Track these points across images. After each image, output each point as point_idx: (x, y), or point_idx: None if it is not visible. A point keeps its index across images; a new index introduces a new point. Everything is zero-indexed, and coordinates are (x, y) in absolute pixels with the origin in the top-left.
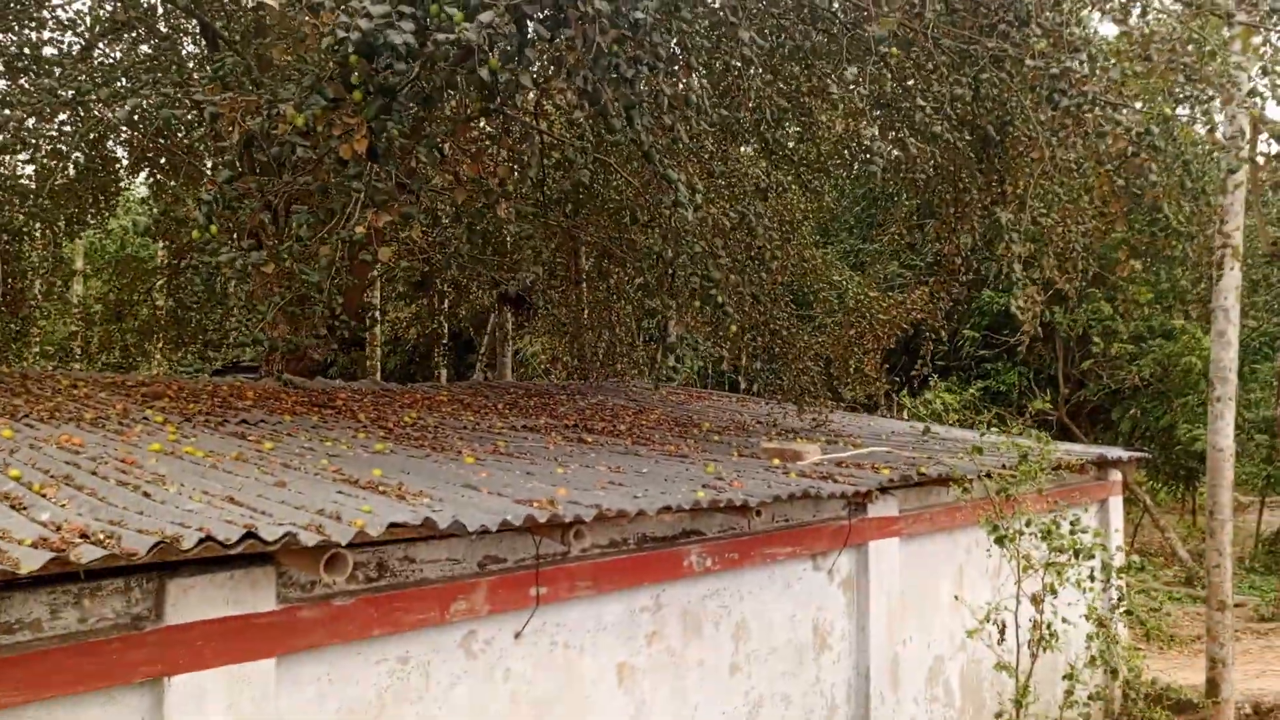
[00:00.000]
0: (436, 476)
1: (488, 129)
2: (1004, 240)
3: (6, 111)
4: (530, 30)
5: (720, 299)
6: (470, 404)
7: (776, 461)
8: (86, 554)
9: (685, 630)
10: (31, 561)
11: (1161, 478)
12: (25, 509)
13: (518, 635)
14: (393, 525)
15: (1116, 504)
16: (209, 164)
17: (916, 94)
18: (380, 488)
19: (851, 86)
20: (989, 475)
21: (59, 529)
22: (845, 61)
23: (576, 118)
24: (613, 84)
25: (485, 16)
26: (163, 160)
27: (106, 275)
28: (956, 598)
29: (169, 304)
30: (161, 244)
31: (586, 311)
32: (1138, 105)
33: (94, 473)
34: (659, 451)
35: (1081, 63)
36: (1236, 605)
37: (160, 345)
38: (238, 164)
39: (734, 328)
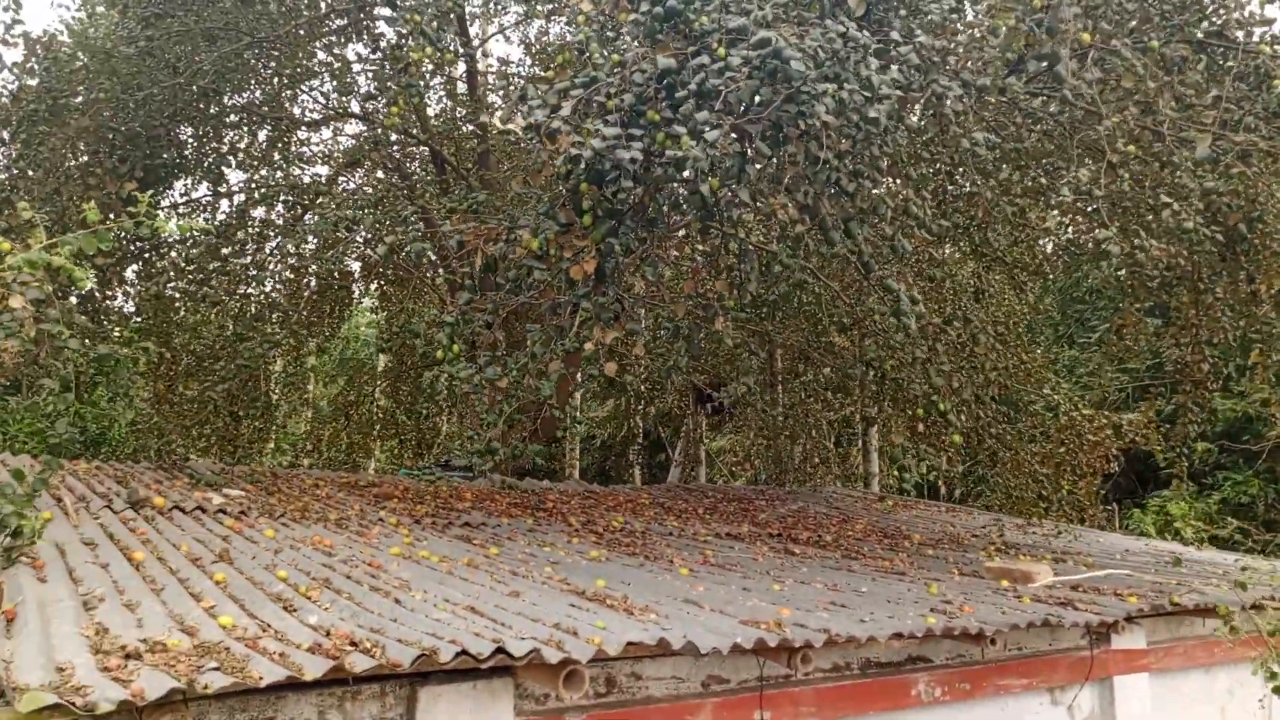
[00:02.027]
0: (657, 590)
1: (703, 247)
2: (1257, 345)
3: (280, 239)
4: (751, 148)
5: (944, 406)
6: (671, 507)
7: (1005, 583)
8: (359, 663)
9: None
10: (314, 668)
11: None
12: (295, 611)
13: None
14: (630, 644)
15: None
16: (429, 275)
17: (1161, 191)
18: (607, 601)
19: (1085, 188)
20: (1256, 607)
21: (328, 634)
22: (1069, 162)
23: (795, 231)
24: (832, 198)
25: (711, 136)
26: (389, 272)
27: (334, 378)
28: None
29: (389, 406)
30: (384, 350)
31: (782, 414)
32: None
33: (348, 576)
34: (873, 567)
35: None
36: None
37: (379, 443)
38: (479, 286)
39: (957, 436)
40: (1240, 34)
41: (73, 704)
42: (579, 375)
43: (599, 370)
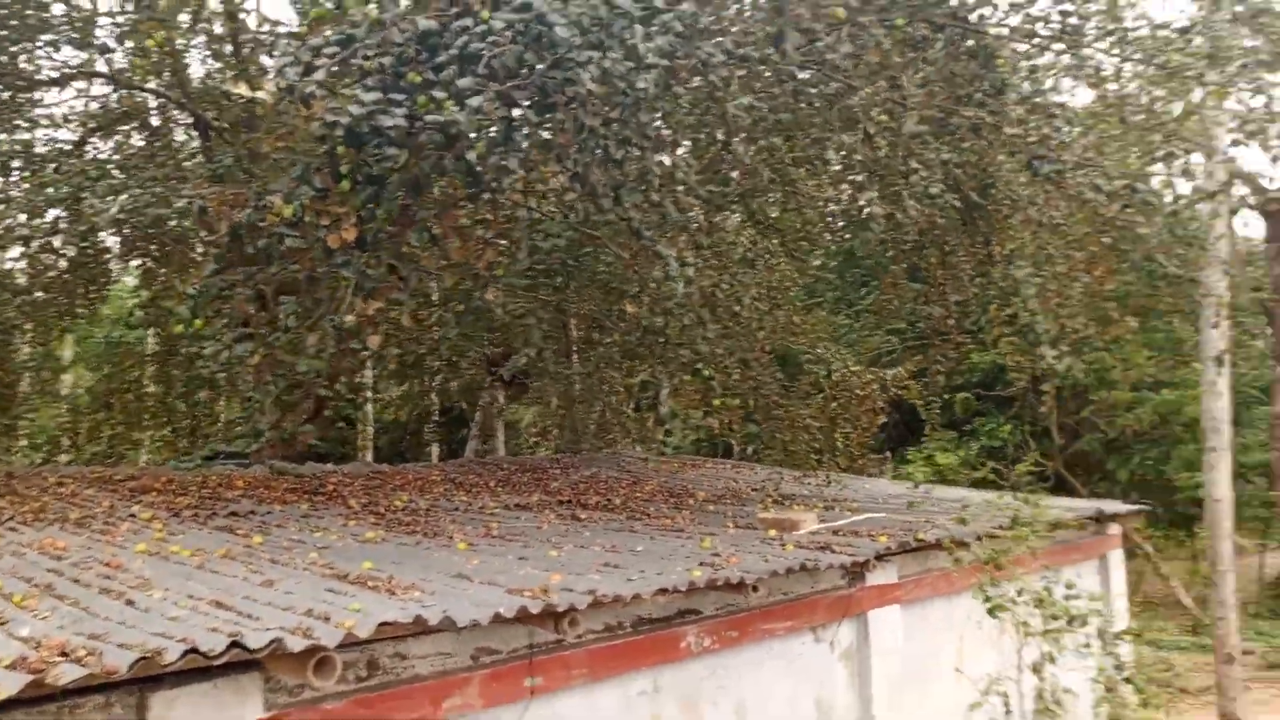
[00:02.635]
0: (429, 567)
1: (474, 214)
2: (993, 301)
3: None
4: (518, 114)
5: (707, 372)
6: (463, 483)
7: (773, 532)
8: (66, 673)
9: (684, 713)
10: (8, 685)
11: (1162, 526)
12: (5, 624)
13: None
14: (383, 624)
15: (1117, 558)
16: (199, 251)
17: (910, 159)
18: (370, 583)
19: (845, 155)
20: (980, 540)
21: (39, 645)
22: (832, 132)
23: (567, 198)
24: (601, 165)
25: (474, 102)
26: (153, 247)
27: (95, 365)
28: (958, 670)
29: (159, 392)
30: (151, 332)
31: (577, 383)
32: (1116, 167)
33: (77, 580)
34: (654, 526)
35: (1058, 129)
36: (1244, 654)
37: (149, 434)
38: (226, 256)
39: (718, 400)
40: (974, 16)
41: None
42: (365, 351)
43: (363, 345)
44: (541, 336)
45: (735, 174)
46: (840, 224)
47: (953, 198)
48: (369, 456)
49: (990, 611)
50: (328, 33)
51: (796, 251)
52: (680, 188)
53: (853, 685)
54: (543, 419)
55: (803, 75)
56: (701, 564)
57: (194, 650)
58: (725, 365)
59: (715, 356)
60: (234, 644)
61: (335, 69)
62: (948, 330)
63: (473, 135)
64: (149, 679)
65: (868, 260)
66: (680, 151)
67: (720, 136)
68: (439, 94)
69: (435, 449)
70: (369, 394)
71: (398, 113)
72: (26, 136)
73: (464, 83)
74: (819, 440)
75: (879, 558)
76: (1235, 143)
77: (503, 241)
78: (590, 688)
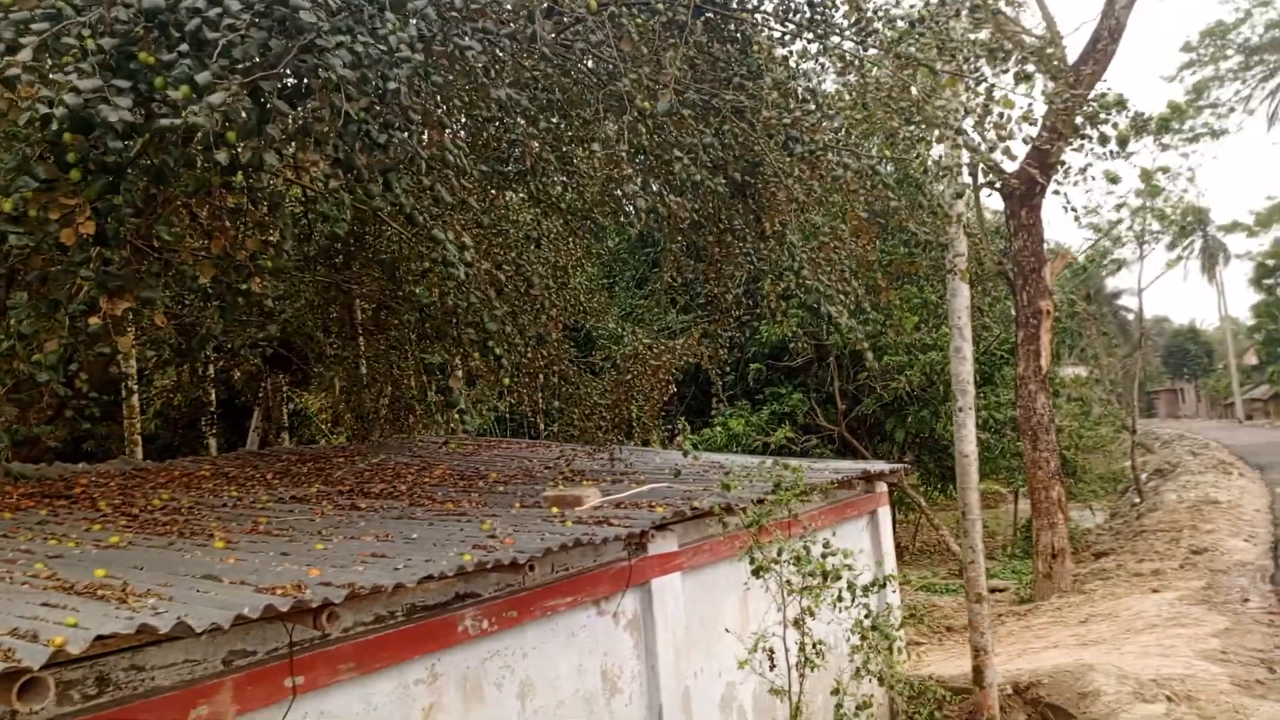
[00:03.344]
0: (175, 569)
1: (228, 200)
2: (768, 276)
3: None
4: (269, 103)
5: (497, 350)
6: (236, 477)
7: (555, 510)
8: None
9: (466, 697)
10: None
11: (934, 480)
12: None
13: None
14: (100, 638)
15: (885, 514)
16: None
17: (673, 145)
18: (100, 591)
19: (614, 142)
20: (748, 506)
21: None
22: (602, 114)
23: (331, 185)
24: (365, 150)
25: (215, 98)
26: None
27: None
28: (728, 630)
29: None
30: None
31: (365, 367)
32: (869, 148)
33: None
34: (435, 512)
35: (809, 112)
36: (1000, 590)
37: None
38: None
39: (507, 379)
40: (732, 1)
41: None
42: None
43: (111, 348)
44: (311, 316)
45: (517, 152)
46: (624, 206)
47: (719, 180)
48: (138, 454)
49: (755, 572)
50: (34, 6)
51: (581, 230)
52: (451, 171)
53: (638, 653)
54: (332, 406)
55: (568, 56)
56: (476, 547)
57: None
58: (515, 344)
59: (505, 335)
60: None
61: (45, 47)
62: (727, 304)
63: (218, 132)
64: None
65: (655, 244)
66: (456, 129)
67: (488, 115)
68: (174, 88)
69: (214, 443)
70: (133, 385)
71: (122, 102)
72: None
73: (202, 77)
74: (609, 415)
75: (657, 528)
76: (971, 127)
77: (263, 231)
78: (362, 681)
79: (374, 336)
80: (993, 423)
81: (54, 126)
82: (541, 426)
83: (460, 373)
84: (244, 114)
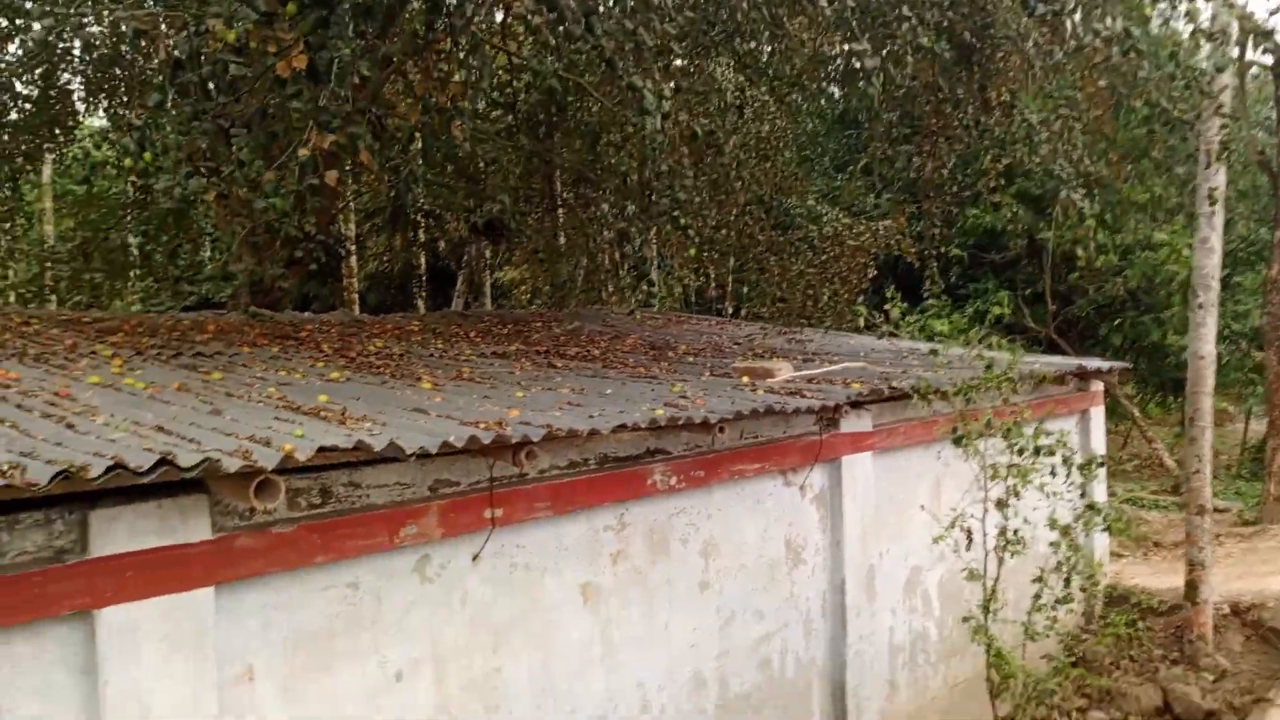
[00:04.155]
0: (387, 402)
1: (436, 44)
2: (989, 152)
3: None
4: None
5: (684, 221)
6: (442, 332)
7: (746, 380)
8: None
9: (652, 549)
10: None
11: (1150, 390)
12: None
13: (475, 558)
14: (323, 449)
15: (1098, 414)
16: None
17: (899, 3)
18: (323, 413)
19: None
20: (954, 388)
21: None
22: None
23: (539, 30)
24: None
25: None
26: (121, 89)
27: (73, 213)
28: (923, 507)
29: (139, 240)
30: (130, 178)
31: (563, 238)
32: (1115, 8)
33: (19, 406)
34: (627, 374)
35: None
36: (1221, 511)
37: (132, 283)
38: (168, 86)
39: (693, 250)
40: None
41: None
42: (340, 199)
43: (318, 181)
44: (519, 181)
45: (723, 14)
46: (832, 74)
47: (945, 46)
48: (355, 310)
49: (956, 441)
50: None
51: (787, 100)
52: (655, 15)
53: (824, 527)
54: (531, 278)
55: None
56: (667, 404)
57: (120, 466)
58: (706, 215)
59: (694, 206)
60: (163, 461)
61: None
62: (941, 180)
63: None
64: (90, 497)
65: (863, 124)
66: None
67: None
68: None
69: (421, 305)
70: (351, 246)
71: None
72: None
73: None
74: (809, 294)
75: (852, 405)
76: None
77: (466, 74)
78: (555, 521)
79: (572, 208)
80: (1228, 332)
81: None
82: (728, 309)
83: (651, 244)
84: None
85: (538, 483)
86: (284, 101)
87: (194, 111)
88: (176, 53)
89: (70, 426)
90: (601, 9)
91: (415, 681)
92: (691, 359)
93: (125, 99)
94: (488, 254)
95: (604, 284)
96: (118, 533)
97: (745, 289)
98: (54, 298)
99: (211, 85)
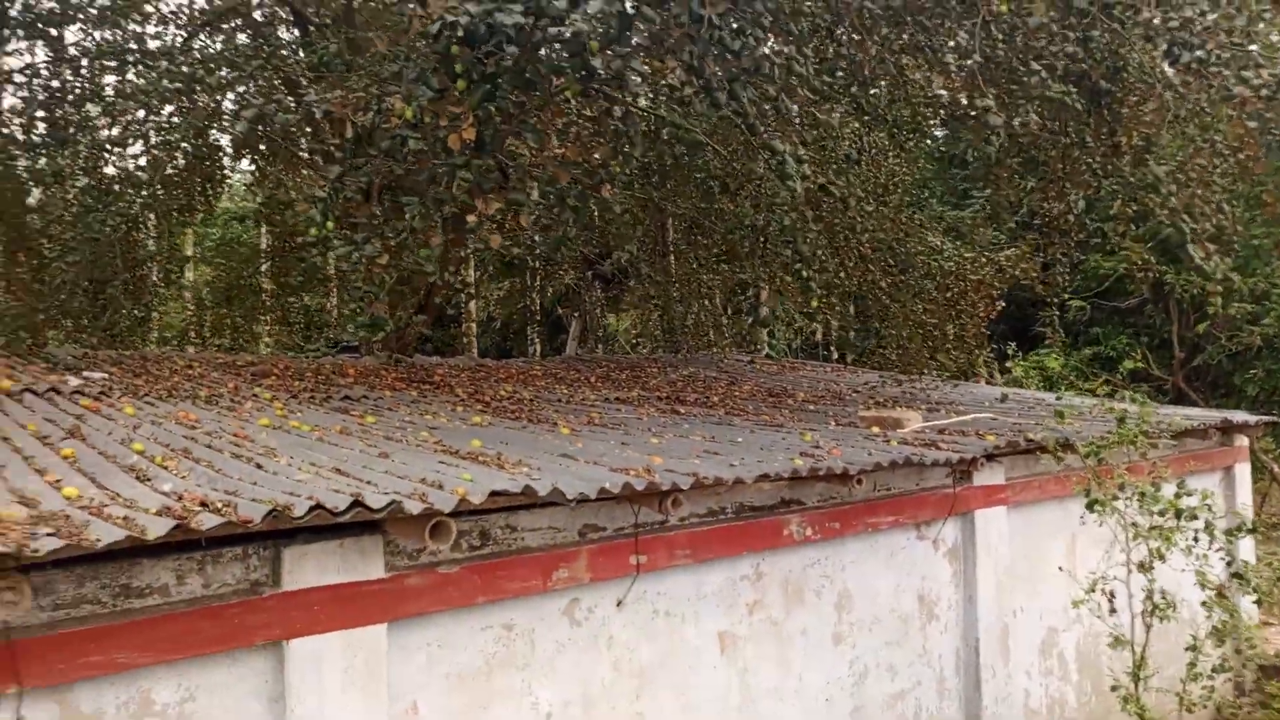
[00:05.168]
0: (534, 447)
1: (585, 111)
2: (1119, 197)
3: (120, 103)
4: (631, 7)
5: (805, 273)
6: (563, 377)
7: (876, 430)
8: (206, 522)
9: (787, 599)
10: (157, 528)
11: None
12: (149, 480)
13: (619, 603)
14: (494, 493)
15: (1244, 471)
16: (304, 147)
17: (1030, 57)
18: (480, 458)
19: (960, 53)
20: (1089, 443)
21: (180, 498)
22: (947, 19)
23: (684, 93)
24: (717, 58)
25: (593, 7)
26: (262, 146)
27: (215, 261)
28: (1060, 568)
29: (273, 287)
30: (265, 228)
31: (676, 284)
32: (1266, 54)
33: (210, 446)
34: (753, 421)
35: (1202, 12)
36: None
37: (267, 327)
38: (349, 158)
39: (815, 302)
40: None
41: None
42: (464, 249)
43: (484, 244)
44: (644, 230)
45: (849, 66)
46: (949, 116)
47: (1074, 93)
48: (474, 354)
49: (1089, 506)
50: None
51: (905, 145)
52: (795, 79)
53: (957, 582)
54: (640, 321)
55: None
56: (803, 454)
57: (320, 507)
58: (826, 265)
59: (816, 257)
60: (356, 503)
61: None
62: (1068, 226)
63: (591, 37)
64: (282, 535)
65: (973, 161)
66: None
67: (827, 24)
68: None
69: (537, 349)
70: (472, 292)
71: (515, 9)
72: (137, 31)
73: None
74: (928, 337)
75: (988, 457)
76: None
77: (612, 139)
78: (695, 569)
79: (683, 254)
80: None
81: (449, 37)
82: (834, 353)
83: (766, 293)
84: (611, 20)
85: (679, 530)
86: (452, 170)
87: (368, 181)
88: (358, 129)
89: (259, 467)
90: (743, 77)
91: None
92: (812, 407)
93: (267, 155)
94: (601, 299)
95: (716, 329)
96: (307, 568)
97: (851, 335)
98: (199, 340)
99: (388, 156)
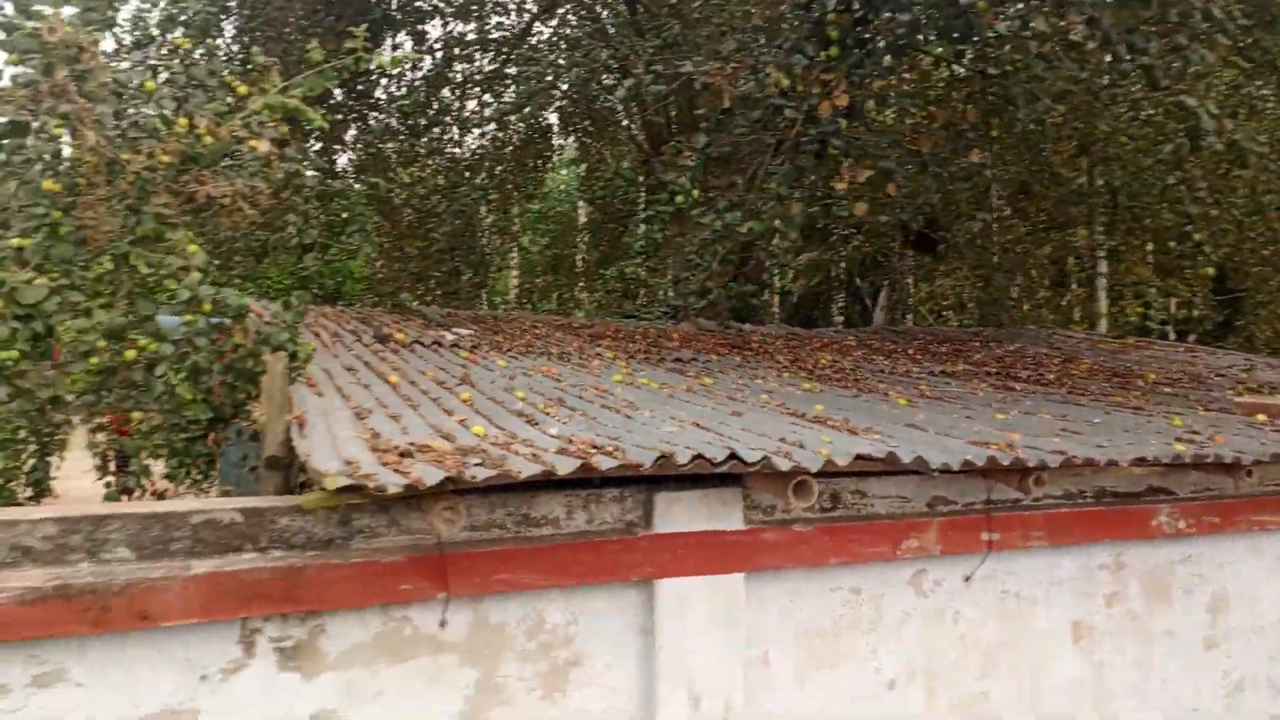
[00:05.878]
0: (876, 415)
1: (959, 69)
2: None
3: (469, 89)
4: None
5: (1197, 236)
6: (879, 348)
7: (1262, 417)
8: (604, 463)
9: (1149, 595)
10: (565, 467)
11: None
12: (536, 424)
13: (967, 579)
14: (859, 456)
15: None
16: (625, 125)
17: None
18: (829, 422)
19: None
20: None
21: (570, 441)
22: None
23: (1087, 47)
24: (1116, 7)
25: None
26: (587, 123)
27: (541, 230)
28: None
29: (592, 257)
30: (581, 203)
31: (996, 253)
32: None
33: (579, 397)
34: (1104, 403)
35: None
36: None
37: (587, 294)
38: (713, 130)
39: (1209, 270)
40: None
41: (367, 486)
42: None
43: (849, 211)
44: (954, 200)
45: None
46: None
47: None
48: (775, 321)
49: None
50: None
51: None
52: (1206, 24)
53: None
54: (955, 292)
55: None
56: (1179, 439)
57: (701, 456)
58: (1225, 227)
59: (1208, 217)
60: (732, 455)
61: None
62: None
63: None
64: (653, 481)
65: None
66: None
67: None
68: None
69: (840, 318)
70: (786, 260)
71: None
72: (489, 24)
73: None
74: None
75: None
76: None
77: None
78: (1048, 552)
79: (1008, 221)
80: None
81: (826, 6)
82: (1169, 332)
83: (1128, 264)
84: None
85: (1033, 510)
86: (821, 136)
87: (732, 150)
88: (731, 98)
89: (628, 417)
90: (1141, 27)
91: (907, 692)
92: (1167, 389)
93: (591, 131)
94: (915, 267)
95: (1044, 302)
96: (676, 514)
97: (1195, 312)
98: (530, 305)
99: (759, 125)
